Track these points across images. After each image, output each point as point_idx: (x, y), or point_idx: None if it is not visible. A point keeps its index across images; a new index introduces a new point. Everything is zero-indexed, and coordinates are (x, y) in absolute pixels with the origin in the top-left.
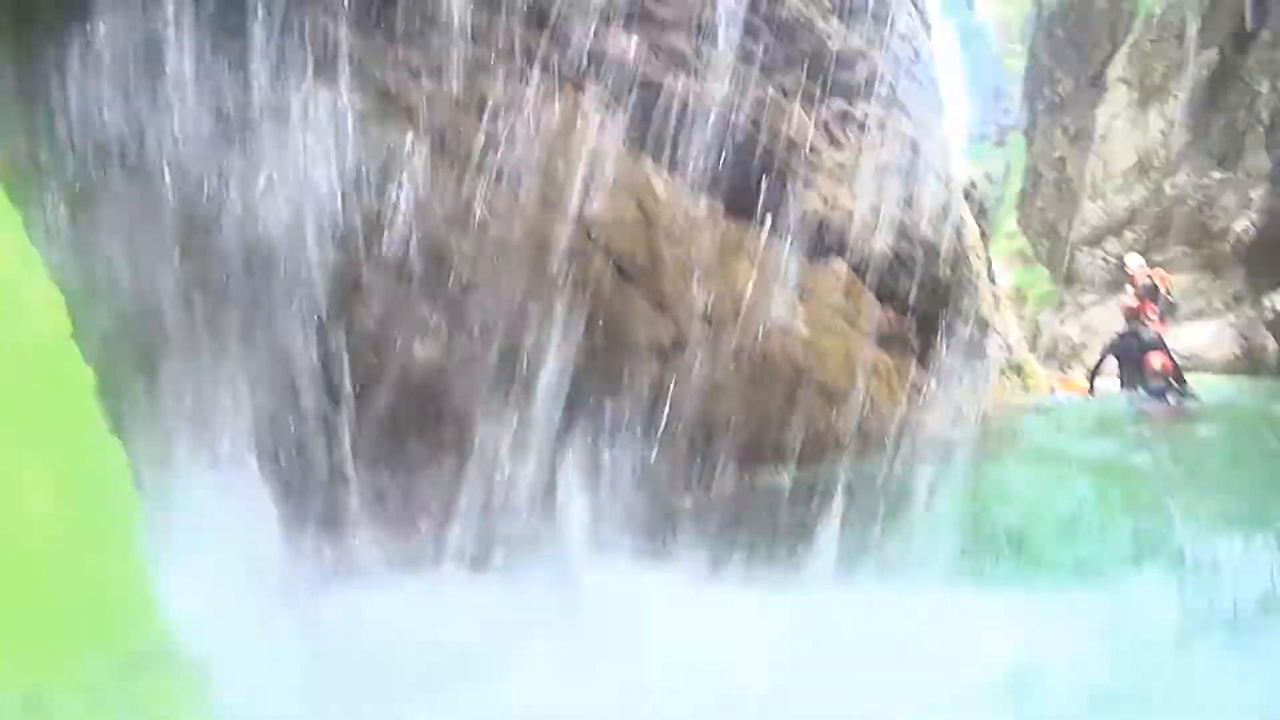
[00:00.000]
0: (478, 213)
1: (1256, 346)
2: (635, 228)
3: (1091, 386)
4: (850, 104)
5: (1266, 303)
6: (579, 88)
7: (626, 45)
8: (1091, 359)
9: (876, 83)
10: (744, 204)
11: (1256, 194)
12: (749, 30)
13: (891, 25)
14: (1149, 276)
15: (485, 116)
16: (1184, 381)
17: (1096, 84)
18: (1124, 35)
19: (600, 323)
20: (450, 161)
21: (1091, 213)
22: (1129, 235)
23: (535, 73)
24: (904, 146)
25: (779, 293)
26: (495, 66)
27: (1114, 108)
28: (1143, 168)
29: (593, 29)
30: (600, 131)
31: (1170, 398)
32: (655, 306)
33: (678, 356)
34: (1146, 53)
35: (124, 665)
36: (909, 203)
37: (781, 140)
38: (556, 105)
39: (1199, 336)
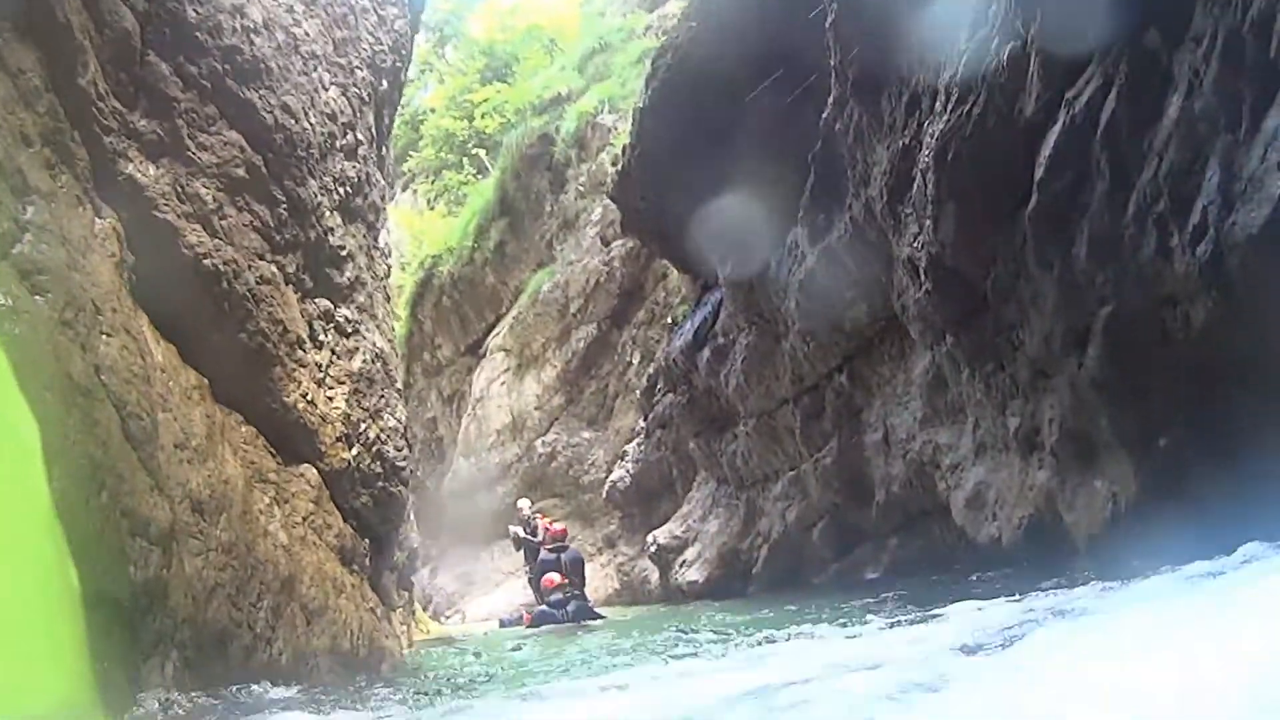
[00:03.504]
0: None
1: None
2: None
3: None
4: (334, 304)
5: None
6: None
7: None
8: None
9: (359, 288)
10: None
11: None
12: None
13: (378, 234)
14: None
15: None
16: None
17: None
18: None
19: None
20: None
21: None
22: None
23: None
24: (373, 357)
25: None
26: None
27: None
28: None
29: None
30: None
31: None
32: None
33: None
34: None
35: None
36: (375, 415)
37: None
38: None
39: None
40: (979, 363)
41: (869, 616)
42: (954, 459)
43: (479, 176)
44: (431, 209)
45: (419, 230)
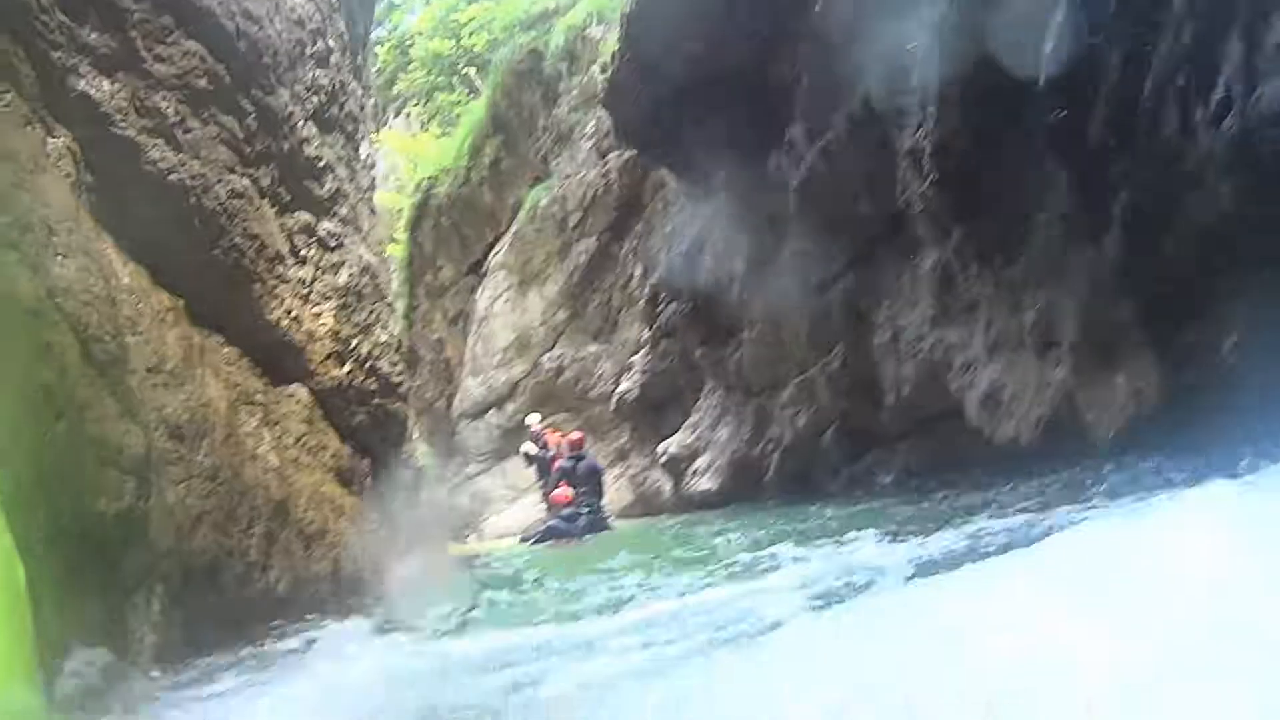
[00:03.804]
0: None
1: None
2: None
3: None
4: (315, 218)
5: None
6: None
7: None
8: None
9: (340, 201)
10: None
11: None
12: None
13: (358, 146)
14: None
15: None
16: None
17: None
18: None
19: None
20: None
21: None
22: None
23: None
24: (361, 271)
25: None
26: None
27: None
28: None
29: None
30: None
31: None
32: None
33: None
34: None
35: None
36: (366, 330)
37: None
38: None
39: None
40: (989, 257)
41: (857, 532)
42: (966, 358)
43: (471, 96)
44: (425, 131)
45: (413, 153)
